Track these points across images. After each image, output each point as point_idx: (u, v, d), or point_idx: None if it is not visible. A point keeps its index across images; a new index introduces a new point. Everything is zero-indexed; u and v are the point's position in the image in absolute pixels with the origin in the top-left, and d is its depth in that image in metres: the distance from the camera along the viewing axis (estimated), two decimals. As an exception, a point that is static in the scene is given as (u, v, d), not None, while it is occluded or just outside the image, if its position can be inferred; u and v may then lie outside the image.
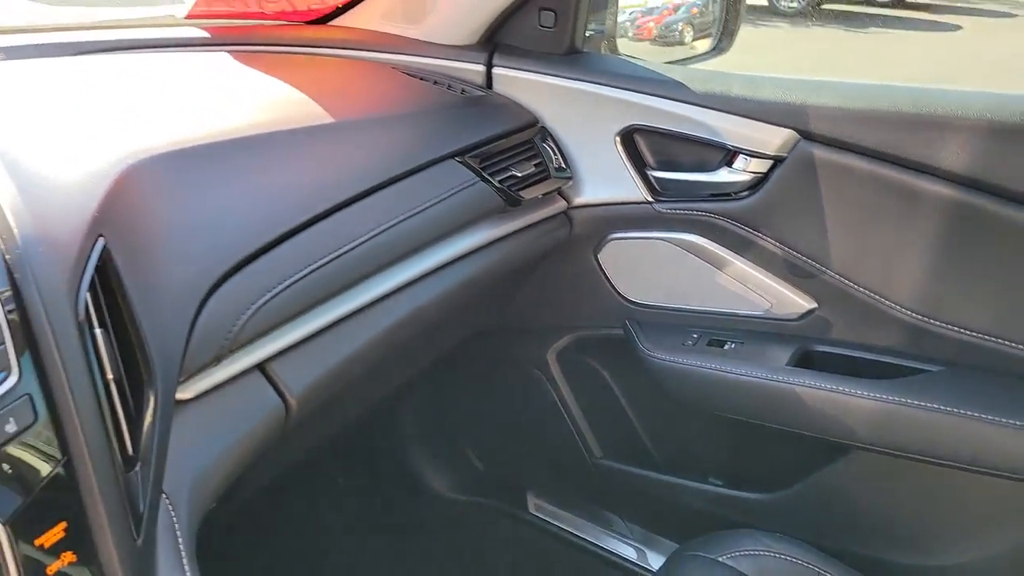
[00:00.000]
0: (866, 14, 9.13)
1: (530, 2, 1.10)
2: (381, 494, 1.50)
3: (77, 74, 0.88)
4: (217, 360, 0.65)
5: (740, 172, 1.03)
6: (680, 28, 1.46)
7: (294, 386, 0.72)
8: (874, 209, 0.97)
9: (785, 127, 0.98)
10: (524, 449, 1.41)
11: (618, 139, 1.07)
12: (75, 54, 0.98)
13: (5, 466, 0.46)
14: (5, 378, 0.47)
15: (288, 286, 0.72)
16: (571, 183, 1.11)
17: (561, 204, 1.12)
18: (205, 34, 1.11)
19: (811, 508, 1.10)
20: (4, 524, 0.45)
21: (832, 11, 8.98)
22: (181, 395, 0.63)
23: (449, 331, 1.15)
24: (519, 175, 1.02)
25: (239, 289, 0.68)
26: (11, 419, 0.46)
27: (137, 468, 0.53)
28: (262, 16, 1.21)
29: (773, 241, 1.03)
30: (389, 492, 1.50)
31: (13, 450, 0.46)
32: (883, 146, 0.94)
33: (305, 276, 0.73)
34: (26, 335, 0.49)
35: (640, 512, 1.33)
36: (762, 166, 1.01)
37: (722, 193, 1.04)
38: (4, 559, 0.45)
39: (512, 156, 1.04)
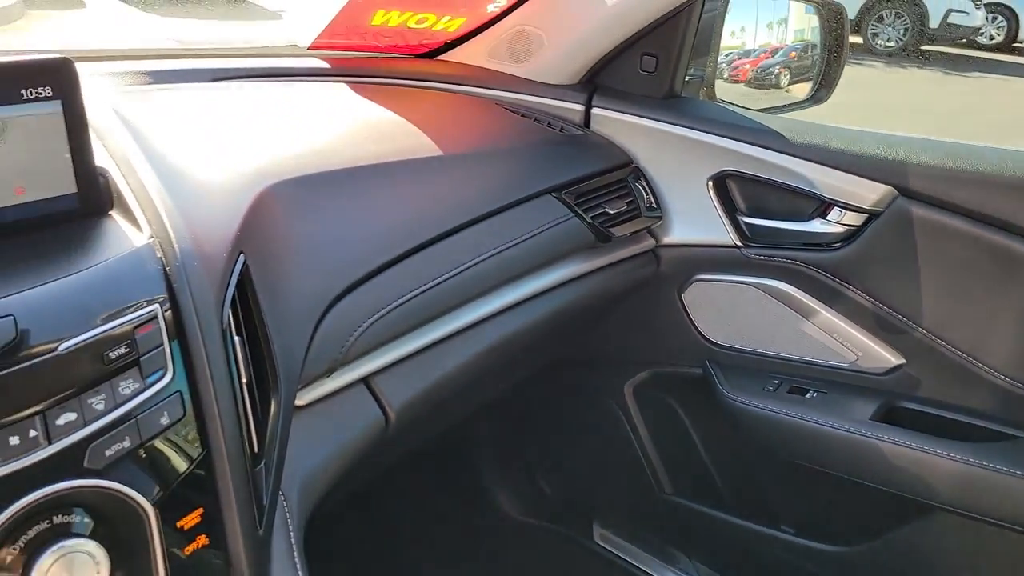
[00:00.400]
0: (969, 57, 8.82)
1: (633, 47, 1.14)
2: (451, 509, 1.54)
3: (217, 100, 0.97)
4: (329, 372, 0.71)
5: (834, 224, 1.03)
6: (777, 72, 1.47)
7: (395, 401, 0.78)
8: (971, 270, 0.96)
9: (883, 183, 0.98)
10: (594, 478, 1.43)
11: (711, 183, 1.10)
12: (212, 80, 1.08)
13: (155, 455, 0.52)
14: (162, 376, 0.53)
15: (395, 308, 0.77)
16: (660, 222, 1.14)
17: (649, 242, 1.15)
18: (325, 64, 1.19)
19: (886, 566, 1.08)
20: (153, 505, 0.51)
21: (932, 52, 8.72)
22: (297, 402, 0.69)
23: (534, 358, 1.19)
24: (611, 212, 1.06)
25: (351, 308, 0.74)
26: (165, 413, 0.52)
27: (262, 465, 0.59)
28: (376, 49, 1.29)
29: (863, 294, 1.03)
30: (459, 508, 1.54)
31: (161, 442, 0.52)
32: (985, 208, 0.93)
33: (410, 299, 0.79)
34: (179, 339, 0.55)
35: (707, 552, 1.33)
36: (857, 219, 1.02)
37: (814, 243, 1.05)
38: (152, 536, 0.51)
39: (605, 194, 1.08)
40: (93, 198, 0.62)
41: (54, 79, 0.60)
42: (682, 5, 1.08)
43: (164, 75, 1.06)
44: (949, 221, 0.96)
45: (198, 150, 0.76)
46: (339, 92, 1.10)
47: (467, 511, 1.54)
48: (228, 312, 0.59)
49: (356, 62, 1.24)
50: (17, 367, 0.46)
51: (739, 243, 1.09)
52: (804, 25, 1.46)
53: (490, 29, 1.24)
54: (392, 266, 0.79)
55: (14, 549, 0.46)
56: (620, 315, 1.23)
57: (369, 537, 1.44)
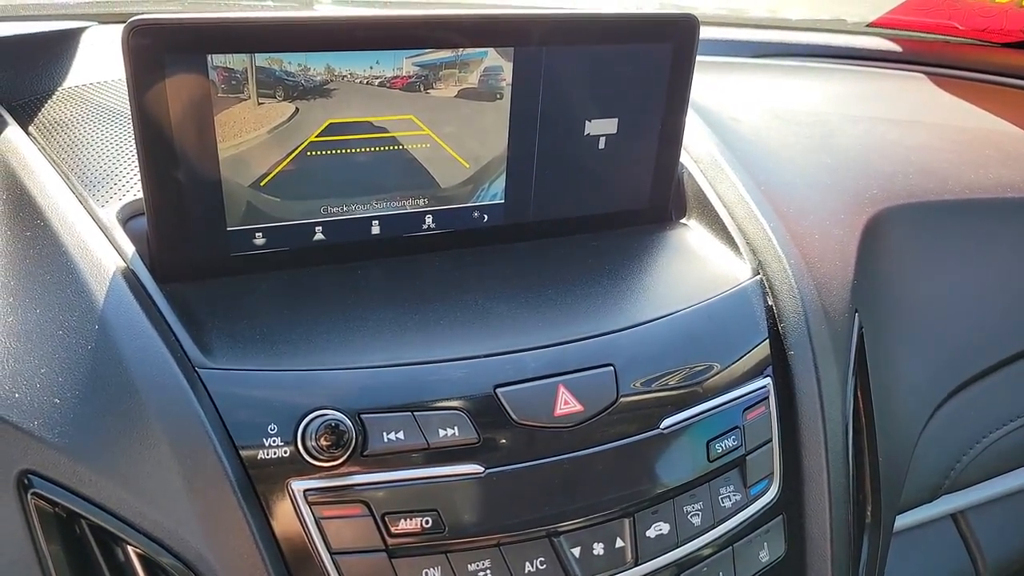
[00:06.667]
0: None
1: None
2: None
3: (778, 85, 0.79)
4: (931, 497, 0.49)
5: None
6: None
7: (990, 552, 0.53)
8: None
9: None
10: None
11: None
12: (754, 55, 0.91)
13: None
14: (767, 487, 0.37)
15: (1016, 427, 0.52)
16: None
17: None
18: (893, 47, 0.94)
19: None
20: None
21: None
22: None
23: None
24: None
25: (963, 414, 0.51)
26: (765, 546, 0.36)
27: None
28: (952, 31, 1.00)
29: None
30: None
31: None
32: None
33: None
34: (789, 434, 0.38)
35: None
36: None
37: None
38: None
39: None
40: (663, 201, 0.49)
41: (671, 44, 0.47)
42: None
43: (703, 44, 0.92)
44: None
45: (785, 154, 0.58)
46: (921, 86, 0.84)
47: None
48: (851, 403, 0.41)
49: (932, 47, 0.96)
50: (613, 444, 0.34)
51: None
52: None
53: None
54: (1016, 361, 0.54)
55: None
56: None
57: None
